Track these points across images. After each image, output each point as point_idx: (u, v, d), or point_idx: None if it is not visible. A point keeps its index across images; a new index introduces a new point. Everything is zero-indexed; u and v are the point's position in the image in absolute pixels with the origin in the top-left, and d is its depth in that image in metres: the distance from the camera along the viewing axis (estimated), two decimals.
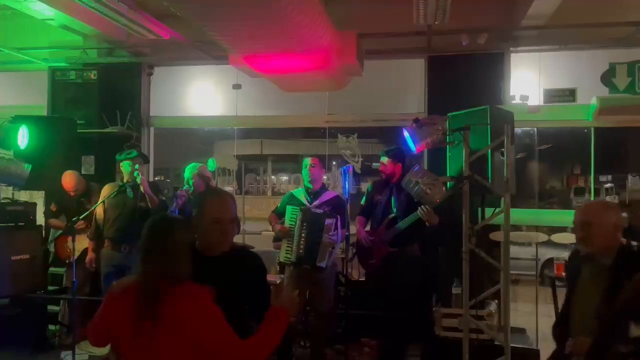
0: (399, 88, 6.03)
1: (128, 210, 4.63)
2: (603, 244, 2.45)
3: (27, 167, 4.48)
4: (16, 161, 4.46)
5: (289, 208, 4.54)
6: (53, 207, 5.31)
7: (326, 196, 4.59)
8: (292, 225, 4.45)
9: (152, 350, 1.82)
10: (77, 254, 4.95)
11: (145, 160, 4.94)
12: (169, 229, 1.99)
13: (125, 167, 4.74)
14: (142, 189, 4.58)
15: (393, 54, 5.81)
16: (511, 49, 5.56)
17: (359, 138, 6.18)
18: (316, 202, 4.53)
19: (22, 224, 4.96)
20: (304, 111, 6.25)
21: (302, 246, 4.41)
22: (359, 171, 6.18)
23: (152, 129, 6.42)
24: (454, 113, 4.57)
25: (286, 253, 4.49)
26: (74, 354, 4.32)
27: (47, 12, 5.14)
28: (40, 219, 5.47)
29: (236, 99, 6.24)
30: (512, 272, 4.15)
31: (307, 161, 4.65)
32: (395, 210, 4.51)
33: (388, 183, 4.65)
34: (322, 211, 4.43)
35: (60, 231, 5.07)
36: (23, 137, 4.71)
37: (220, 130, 6.98)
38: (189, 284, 1.88)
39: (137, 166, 4.67)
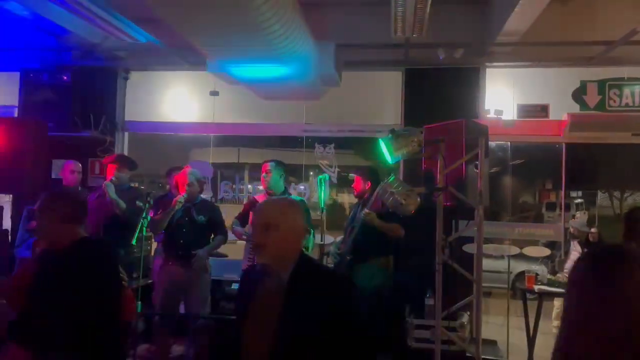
0: (376, 99, 6.07)
1: (105, 217, 4.54)
2: (281, 254, 1.89)
3: None
4: None
5: (251, 214, 4.54)
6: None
7: None
8: None
9: None
10: None
11: (131, 166, 4.85)
12: None
13: (110, 170, 4.70)
14: (108, 194, 4.48)
15: (371, 66, 5.86)
16: (486, 63, 5.66)
17: (336, 149, 6.20)
18: None
19: None
20: (281, 120, 6.24)
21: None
22: (335, 181, 6.19)
23: (126, 133, 6.31)
24: (430, 125, 4.62)
25: (248, 260, 4.51)
26: None
27: (20, 11, 5.04)
28: (6, 224, 5.31)
29: (213, 105, 6.19)
30: (484, 284, 4.19)
31: (263, 167, 4.62)
32: (354, 223, 4.51)
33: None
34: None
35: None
36: None
37: (196, 137, 6.90)
38: None
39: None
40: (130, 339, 4.26)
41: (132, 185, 4.87)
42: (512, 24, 4.70)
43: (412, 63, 5.68)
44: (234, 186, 7.17)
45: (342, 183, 6.44)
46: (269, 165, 4.55)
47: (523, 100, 5.72)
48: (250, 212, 4.51)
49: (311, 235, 4.46)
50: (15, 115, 6.03)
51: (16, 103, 6.10)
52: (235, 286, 5.41)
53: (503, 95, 5.78)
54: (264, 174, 4.54)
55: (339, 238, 4.90)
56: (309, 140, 6.25)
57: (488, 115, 5.59)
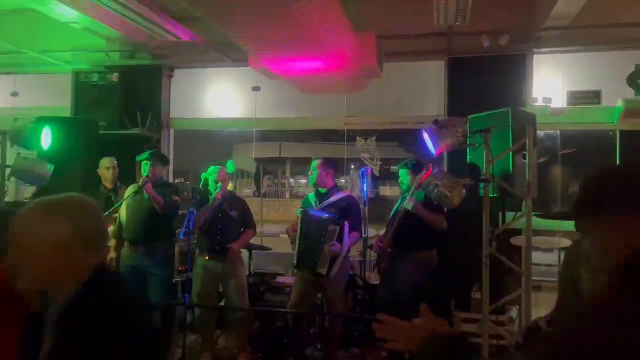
0: (418, 90, 5.97)
1: (143, 212, 4.66)
2: (41, 277, 1.42)
3: (50, 168, 4.53)
4: (39, 161, 4.51)
5: (298, 211, 4.58)
6: None
7: (333, 198, 4.55)
8: (300, 228, 4.46)
9: None
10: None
11: (164, 161, 4.96)
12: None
13: (143, 167, 4.78)
14: (145, 190, 4.59)
15: (412, 56, 5.77)
16: (534, 50, 5.47)
17: (378, 141, 6.15)
18: (321, 204, 4.52)
19: None
20: (322, 113, 6.23)
21: (300, 250, 4.41)
22: (377, 174, 6.14)
23: (171, 130, 6.47)
24: (474, 115, 4.52)
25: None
26: None
27: (70, 15, 5.22)
28: None
29: (255, 101, 6.26)
30: (533, 277, 4.07)
31: (313, 164, 4.64)
32: (397, 216, 4.47)
33: None
34: (325, 215, 4.37)
35: None
36: (46, 138, 4.76)
37: (239, 132, 7.00)
38: None
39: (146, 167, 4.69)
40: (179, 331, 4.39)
41: (170, 181, 4.98)
42: (561, 7, 4.52)
43: (455, 52, 5.56)
44: (276, 180, 7.23)
45: (385, 176, 6.38)
46: (314, 163, 4.62)
47: (573, 87, 5.49)
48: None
49: None
50: (68, 115, 6.27)
51: (69, 103, 6.34)
52: (279, 279, 5.48)
53: (551, 82, 5.57)
54: (309, 172, 4.60)
55: (381, 232, 4.87)
56: (351, 133, 6.22)
57: (535, 104, 5.41)
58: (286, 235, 4.77)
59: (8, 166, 4.51)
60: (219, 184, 4.66)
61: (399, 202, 4.64)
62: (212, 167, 4.83)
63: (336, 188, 4.69)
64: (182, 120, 6.46)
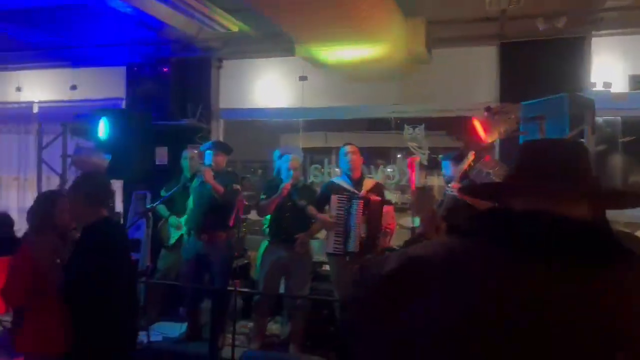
0: (468, 77, 5.80)
1: (205, 201, 4.76)
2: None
3: (106, 157, 4.73)
4: (97, 152, 4.72)
5: (334, 197, 4.50)
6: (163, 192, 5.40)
7: (369, 184, 4.56)
8: (341, 214, 4.43)
9: None
10: (173, 240, 5.21)
11: (226, 150, 5.03)
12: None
13: (206, 157, 4.89)
14: (205, 179, 4.66)
15: (463, 42, 5.60)
16: (592, 32, 5.20)
17: (426, 129, 6.04)
18: (363, 191, 4.49)
19: None
20: (369, 101, 6.17)
21: (362, 236, 4.38)
22: (425, 163, 6.04)
23: (221, 121, 6.58)
24: (528, 102, 4.37)
25: (335, 244, 4.47)
26: (148, 334, 4.53)
27: (124, 8, 5.39)
28: (119, 206, 5.76)
29: (302, 90, 6.27)
30: None
31: (347, 148, 4.60)
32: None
33: None
34: (379, 198, 4.41)
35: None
36: (103, 129, 4.97)
37: (285, 122, 7.05)
38: None
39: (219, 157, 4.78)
40: (230, 315, 4.49)
41: (229, 169, 5.05)
42: None
43: (508, 36, 5.36)
44: (322, 170, 7.24)
45: (434, 166, 6.26)
46: (346, 148, 4.64)
47: (636, 71, 5.20)
48: (332, 195, 4.55)
49: None
50: (123, 107, 6.49)
51: (123, 95, 6.56)
52: (325, 267, 5.50)
53: (612, 66, 5.29)
54: (352, 152, 4.59)
55: None
56: (398, 121, 6.14)
57: (594, 89, 5.16)
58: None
59: (69, 156, 4.74)
60: (291, 172, 4.64)
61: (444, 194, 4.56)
62: (285, 156, 4.85)
63: (363, 175, 4.72)
64: (231, 110, 6.55)
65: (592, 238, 0.98)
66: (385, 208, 4.42)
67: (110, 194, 2.86)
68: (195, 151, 5.32)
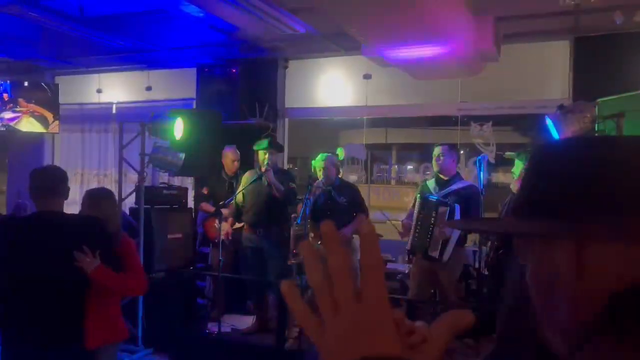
0: (539, 73, 5.64)
1: (262, 198, 4.94)
2: None
3: (181, 157, 4.96)
4: (172, 150, 4.96)
5: (417, 196, 4.58)
6: (205, 190, 5.70)
7: (455, 185, 4.48)
8: (418, 213, 4.46)
9: None
10: (223, 235, 5.42)
11: (279, 149, 5.20)
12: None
13: (261, 155, 5.06)
14: (267, 178, 4.82)
15: (533, 37, 5.44)
16: None
17: (494, 126, 5.92)
18: (442, 192, 4.46)
19: (176, 206, 5.51)
20: (434, 99, 6.12)
21: (415, 235, 4.40)
22: (492, 161, 5.92)
23: (286, 120, 6.73)
24: (604, 98, 4.21)
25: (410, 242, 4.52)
26: (219, 326, 4.75)
27: (197, 13, 5.63)
28: (190, 202, 6.03)
29: (366, 89, 6.31)
30: None
31: (436, 150, 4.57)
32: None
33: None
34: (438, 199, 4.35)
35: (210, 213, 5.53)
36: (178, 129, 5.21)
37: (346, 119, 7.11)
38: None
39: (266, 156, 4.94)
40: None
41: (283, 168, 5.22)
42: None
43: (583, 31, 5.16)
44: (382, 167, 7.25)
45: (500, 163, 6.13)
46: (438, 149, 4.55)
47: None
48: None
49: None
50: (194, 107, 6.77)
51: (194, 96, 6.85)
52: (390, 265, 5.53)
53: None
54: (435, 158, 4.53)
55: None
56: (465, 118, 6.05)
57: None
58: (396, 222, 4.80)
59: (147, 154, 5.02)
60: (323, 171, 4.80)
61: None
62: (320, 155, 4.97)
63: (458, 176, 4.62)
64: (297, 109, 6.69)
65: None
66: (441, 209, 4.32)
67: (43, 188, 2.53)
68: (236, 150, 5.53)
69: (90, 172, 7.74)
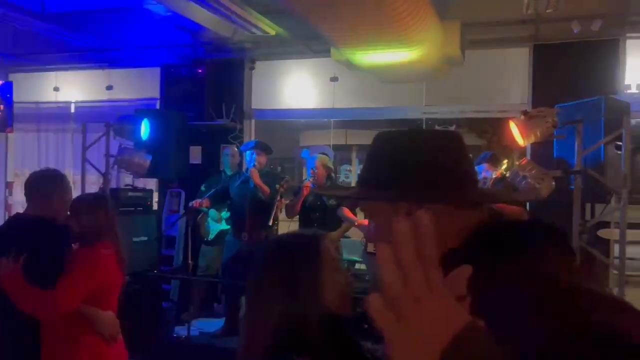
0: (500, 78, 5.84)
1: (247, 200, 4.87)
2: None
3: (148, 157, 4.87)
4: (139, 151, 4.86)
5: None
6: (203, 188, 5.55)
7: None
8: None
9: None
10: (213, 234, 5.34)
11: (268, 151, 5.14)
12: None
13: (248, 157, 5.00)
14: (253, 179, 4.78)
15: (496, 43, 5.64)
16: (627, 34, 5.20)
17: (457, 129, 6.09)
18: None
19: (141, 208, 5.39)
20: (400, 102, 6.24)
21: None
22: None
23: (253, 121, 6.70)
24: (562, 104, 4.39)
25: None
26: (189, 329, 4.68)
27: (161, 11, 5.54)
28: (155, 205, 5.92)
29: (333, 91, 6.35)
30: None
31: None
32: None
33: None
34: None
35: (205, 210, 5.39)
36: (145, 130, 5.11)
37: (308, 121, 7.14)
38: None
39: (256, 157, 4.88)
40: None
41: (270, 169, 5.17)
42: None
43: (542, 38, 5.38)
44: (348, 168, 7.32)
45: None
46: None
47: None
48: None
49: None
50: (158, 107, 6.64)
51: (158, 96, 6.71)
52: (357, 266, 5.59)
53: None
54: None
55: None
56: (429, 122, 6.19)
57: (628, 91, 5.17)
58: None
59: (112, 156, 4.89)
60: (314, 171, 4.75)
61: None
62: (313, 156, 4.95)
63: None
64: (264, 110, 6.67)
65: None
66: None
67: (31, 189, 2.46)
68: (236, 149, 5.44)
69: None
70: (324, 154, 5.02)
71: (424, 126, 6.26)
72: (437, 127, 6.14)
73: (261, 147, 5.01)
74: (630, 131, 4.04)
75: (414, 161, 0.97)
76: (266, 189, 4.71)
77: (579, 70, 5.15)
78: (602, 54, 5.20)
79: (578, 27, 4.90)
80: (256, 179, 4.73)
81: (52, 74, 7.42)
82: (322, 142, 7.80)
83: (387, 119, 7.01)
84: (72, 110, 7.36)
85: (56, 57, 6.81)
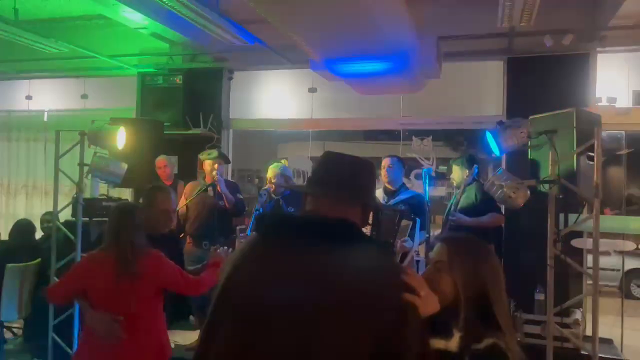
0: (476, 90, 5.95)
1: (208, 209, 4.85)
2: None
3: (123, 166, 4.77)
4: (114, 160, 4.76)
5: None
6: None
7: (403, 195, 4.59)
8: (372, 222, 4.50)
9: (128, 296, 2.63)
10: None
11: (226, 160, 5.16)
12: (134, 211, 2.78)
13: (207, 166, 4.98)
14: (218, 188, 4.77)
15: (471, 56, 5.75)
16: (598, 49, 5.35)
17: (434, 141, 6.16)
18: (392, 201, 4.55)
19: None
20: (378, 113, 6.29)
21: None
22: (433, 174, 6.14)
23: (230, 130, 6.66)
24: (536, 116, 4.48)
25: None
26: None
27: (137, 19, 5.48)
28: None
29: (311, 102, 6.38)
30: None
31: (386, 161, 4.68)
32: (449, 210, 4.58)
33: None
34: (399, 208, 4.42)
35: None
36: (121, 138, 5.01)
37: (283, 132, 7.18)
38: (149, 249, 2.70)
39: (216, 166, 4.89)
40: None
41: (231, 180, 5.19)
42: (629, 6, 4.43)
43: (516, 52, 5.50)
44: None
45: (439, 176, 6.39)
46: (390, 160, 4.65)
47: (639, 86, 5.36)
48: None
49: None
50: (134, 115, 6.55)
51: (134, 104, 6.62)
52: None
53: (616, 82, 5.45)
54: (386, 168, 4.61)
55: (437, 232, 4.90)
56: (406, 133, 6.26)
57: (599, 104, 5.31)
58: None
59: (86, 164, 4.78)
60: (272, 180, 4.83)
61: (452, 199, 4.67)
62: (273, 163, 4.99)
63: (404, 186, 4.73)
64: (241, 120, 6.64)
65: (332, 230, 1.35)
66: (404, 222, 4.44)
67: None
68: (168, 159, 5.42)
69: (17, 183, 7.27)
70: (278, 161, 5.12)
71: (400, 138, 6.34)
72: (414, 138, 6.20)
73: (223, 157, 5.15)
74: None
75: (354, 178, 1.47)
76: (231, 198, 4.81)
77: (551, 83, 5.27)
78: (574, 68, 5.34)
79: (550, 41, 5.02)
80: (222, 187, 4.81)
81: (25, 82, 7.27)
82: (300, 153, 7.79)
83: (365, 130, 7.06)
84: (46, 118, 7.21)
85: (28, 64, 6.68)
